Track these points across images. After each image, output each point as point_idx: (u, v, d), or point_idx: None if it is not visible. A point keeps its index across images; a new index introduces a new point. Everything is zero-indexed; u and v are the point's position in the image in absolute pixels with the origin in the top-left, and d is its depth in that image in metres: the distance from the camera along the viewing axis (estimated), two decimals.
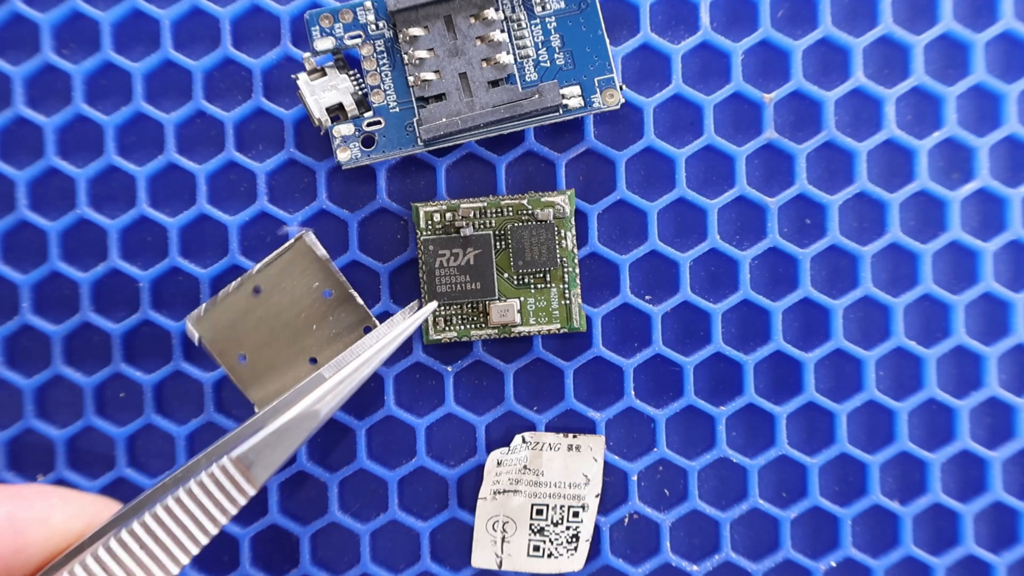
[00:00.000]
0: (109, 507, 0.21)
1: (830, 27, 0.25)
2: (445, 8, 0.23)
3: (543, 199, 0.25)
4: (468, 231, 0.25)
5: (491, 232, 0.25)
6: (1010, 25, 0.25)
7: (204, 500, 0.19)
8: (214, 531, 0.19)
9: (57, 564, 0.19)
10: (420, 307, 0.25)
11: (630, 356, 0.26)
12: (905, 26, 0.26)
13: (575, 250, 0.25)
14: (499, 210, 0.25)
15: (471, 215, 0.25)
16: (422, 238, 0.25)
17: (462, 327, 0.25)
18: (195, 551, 0.19)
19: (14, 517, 0.19)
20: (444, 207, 0.25)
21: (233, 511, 0.19)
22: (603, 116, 0.26)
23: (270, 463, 0.20)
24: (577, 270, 0.25)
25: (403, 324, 0.22)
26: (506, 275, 0.25)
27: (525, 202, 0.25)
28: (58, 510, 0.20)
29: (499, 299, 0.25)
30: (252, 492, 0.20)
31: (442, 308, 0.25)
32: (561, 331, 0.25)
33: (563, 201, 0.25)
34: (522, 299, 0.25)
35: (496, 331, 0.25)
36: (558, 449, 0.26)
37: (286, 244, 0.25)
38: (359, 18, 0.24)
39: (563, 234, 0.25)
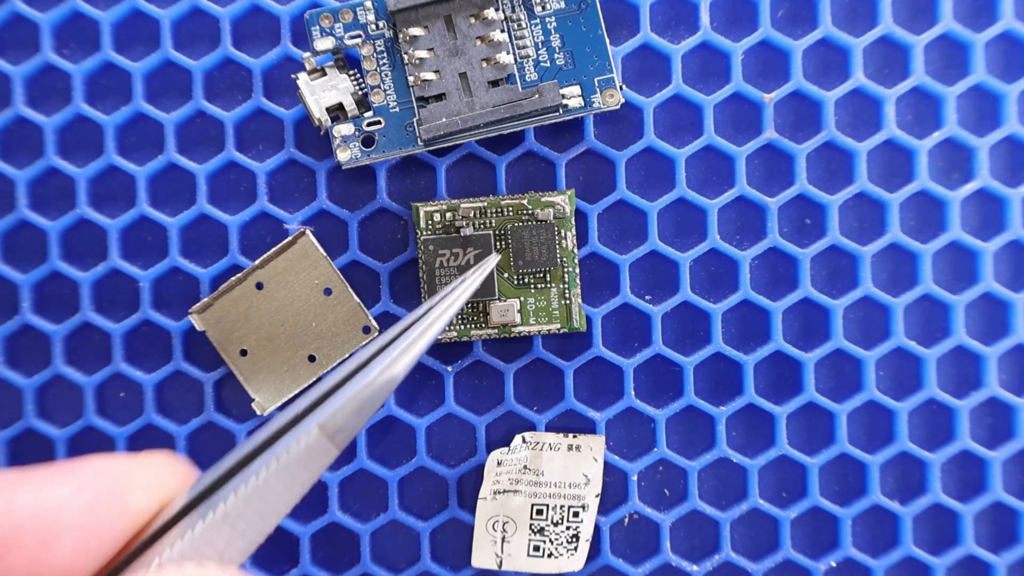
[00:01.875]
0: (175, 467, 0.20)
1: (830, 27, 0.25)
2: (445, 8, 0.23)
3: (543, 199, 0.25)
4: (468, 231, 0.25)
5: (491, 232, 0.25)
6: (1010, 25, 0.25)
7: (293, 468, 0.19)
8: (301, 495, 0.19)
9: (141, 546, 0.18)
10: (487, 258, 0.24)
11: (630, 356, 0.26)
12: (905, 26, 0.26)
13: (575, 250, 0.25)
14: (499, 210, 0.25)
15: (471, 215, 0.25)
16: (422, 238, 0.25)
17: (462, 327, 0.25)
18: (279, 521, 0.19)
19: (92, 510, 0.18)
20: (444, 207, 0.25)
21: (318, 476, 0.19)
22: (603, 116, 0.26)
23: (353, 428, 0.19)
24: (577, 270, 0.25)
25: (468, 280, 0.22)
26: (506, 275, 0.25)
27: (525, 202, 0.25)
28: (131, 491, 0.19)
29: (499, 299, 0.25)
30: (336, 455, 0.19)
31: None
32: (561, 331, 0.25)
33: (563, 201, 0.25)
34: (522, 299, 0.25)
35: (496, 331, 0.25)
36: (558, 449, 0.26)
37: (288, 239, 0.25)
38: (359, 18, 0.24)
39: (563, 234, 0.25)
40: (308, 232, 0.25)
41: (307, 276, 0.25)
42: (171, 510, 0.19)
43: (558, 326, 0.25)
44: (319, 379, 0.20)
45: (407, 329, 0.20)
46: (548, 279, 0.25)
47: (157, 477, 0.19)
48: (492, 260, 0.23)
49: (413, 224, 0.25)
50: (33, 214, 0.26)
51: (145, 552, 0.18)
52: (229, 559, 0.18)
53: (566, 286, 0.25)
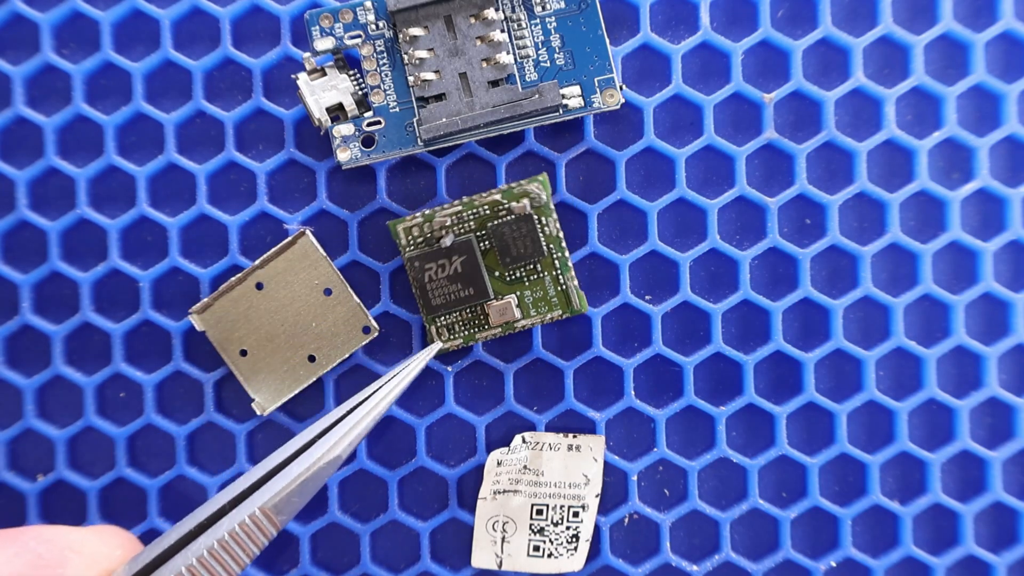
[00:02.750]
0: (121, 542, 0.20)
1: (830, 27, 0.25)
2: (445, 8, 0.23)
3: (515, 190, 0.25)
4: (448, 240, 0.24)
5: (472, 235, 0.25)
6: (1010, 25, 0.25)
7: (235, 548, 0.20)
8: (239, 572, 0.20)
9: None
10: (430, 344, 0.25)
11: (630, 356, 0.26)
12: (905, 26, 0.26)
13: (560, 234, 0.25)
14: (475, 211, 0.25)
15: (447, 223, 0.25)
16: (406, 255, 0.25)
17: (467, 333, 0.25)
18: None
19: None
20: (421, 219, 0.25)
21: (256, 553, 0.20)
22: (603, 116, 0.26)
23: (295, 509, 0.20)
24: (567, 253, 0.25)
25: (410, 364, 0.23)
26: (497, 273, 0.25)
27: (499, 197, 0.25)
28: (72, 563, 0.19)
29: (495, 299, 0.25)
30: (275, 534, 0.20)
31: (444, 318, 0.25)
32: (564, 316, 0.25)
33: (537, 188, 0.25)
34: (518, 294, 0.25)
35: (500, 330, 0.25)
36: (558, 449, 0.26)
37: (288, 239, 0.25)
38: (359, 18, 0.24)
39: (544, 221, 0.25)
40: (308, 232, 0.25)
41: (307, 276, 0.25)
42: None
43: (560, 312, 0.25)
44: (280, 462, 0.21)
45: (350, 413, 0.21)
46: (539, 269, 0.25)
47: (99, 549, 0.20)
48: (433, 348, 0.24)
49: (395, 241, 0.25)
50: (33, 214, 0.26)
51: None
52: None
53: (559, 272, 0.25)
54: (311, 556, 0.26)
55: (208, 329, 0.25)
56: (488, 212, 0.25)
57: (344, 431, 0.21)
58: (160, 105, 0.26)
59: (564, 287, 0.25)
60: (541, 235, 0.25)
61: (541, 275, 0.25)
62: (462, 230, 0.25)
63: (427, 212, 0.25)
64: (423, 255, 0.24)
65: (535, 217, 0.25)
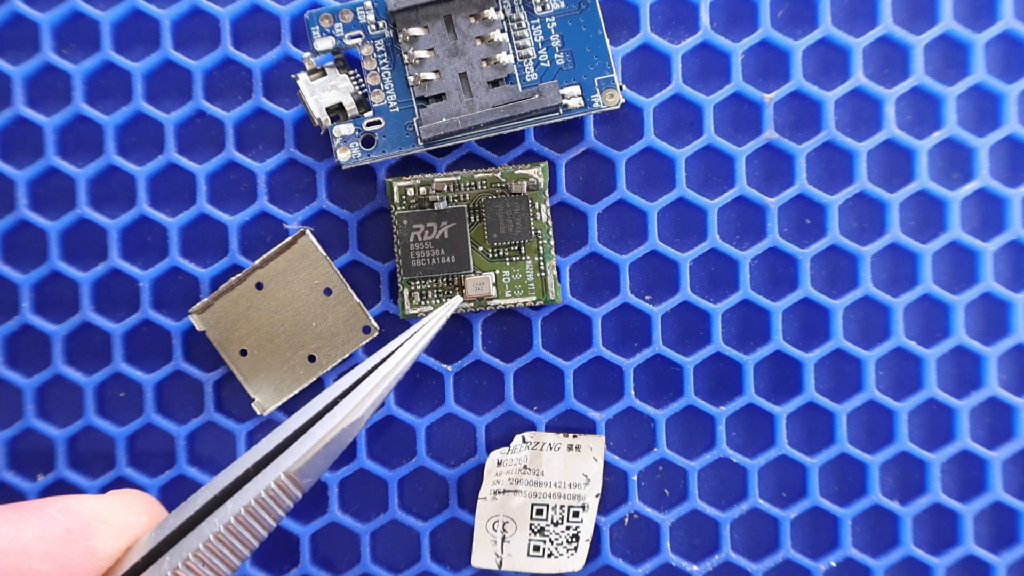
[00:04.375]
0: (146, 507, 0.20)
1: (830, 27, 0.25)
2: (445, 8, 0.23)
3: (516, 172, 0.25)
4: (442, 205, 0.25)
5: (465, 205, 0.25)
6: (1010, 25, 0.25)
7: (261, 513, 0.19)
8: (264, 536, 0.19)
9: None
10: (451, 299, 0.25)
11: (630, 356, 0.26)
12: (905, 26, 0.26)
13: (550, 222, 0.25)
14: (473, 183, 0.25)
15: (445, 189, 0.25)
16: (396, 212, 0.25)
17: (438, 301, 0.25)
18: (246, 557, 0.19)
19: (61, 555, 0.18)
20: (418, 181, 0.25)
21: (282, 517, 0.20)
22: (603, 116, 0.26)
23: (319, 472, 0.20)
24: (552, 242, 0.25)
25: (430, 320, 0.22)
26: (481, 248, 0.25)
27: (499, 175, 0.25)
28: (100, 532, 0.19)
29: (474, 272, 0.25)
30: (300, 497, 0.20)
31: (417, 282, 0.25)
32: (537, 303, 0.25)
33: (536, 173, 0.25)
34: (497, 272, 0.25)
35: (472, 304, 0.25)
36: (558, 449, 0.26)
37: (288, 239, 0.25)
38: (359, 18, 0.24)
39: (537, 206, 0.25)
40: (308, 232, 0.25)
41: (307, 276, 0.25)
42: (139, 552, 0.19)
43: (534, 298, 0.25)
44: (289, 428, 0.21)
45: (372, 371, 0.21)
46: (523, 252, 0.25)
47: (124, 518, 0.19)
48: (455, 301, 0.24)
49: (387, 199, 0.25)
50: (33, 214, 0.26)
51: None
52: None
53: (541, 258, 0.25)
54: (311, 556, 0.26)
55: (208, 329, 0.25)
56: (485, 187, 0.25)
57: (367, 391, 0.20)
58: (160, 105, 0.26)
59: (543, 274, 0.25)
60: (532, 219, 0.25)
61: (523, 258, 0.25)
62: (457, 199, 0.25)
63: (426, 176, 0.25)
64: (413, 214, 0.25)
65: (530, 200, 0.25)
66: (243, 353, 0.25)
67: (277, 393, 0.25)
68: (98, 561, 0.18)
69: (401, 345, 0.21)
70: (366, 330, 0.25)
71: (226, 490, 0.19)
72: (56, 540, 0.18)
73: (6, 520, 0.18)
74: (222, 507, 0.19)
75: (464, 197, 0.25)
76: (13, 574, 0.17)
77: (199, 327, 0.25)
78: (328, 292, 0.25)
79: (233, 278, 0.25)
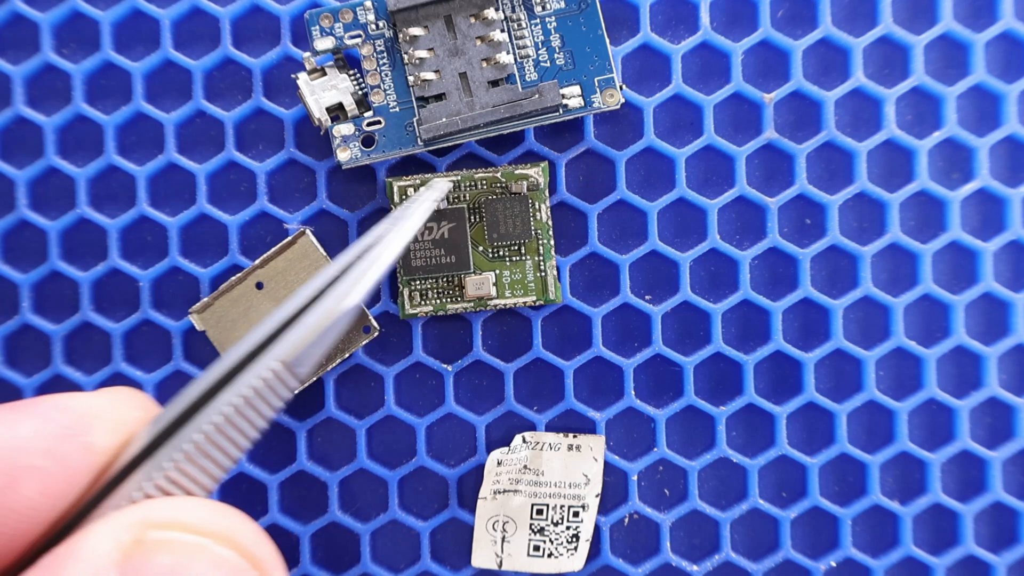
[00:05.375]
0: (140, 403, 0.20)
1: (830, 27, 0.25)
2: (445, 8, 0.23)
3: (516, 172, 0.25)
4: (442, 205, 0.25)
5: (465, 205, 0.25)
6: (1010, 25, 0.25)
7: (258, 403, 0.19)
8: (261, 430, 0.19)
9: (108, 484, 0.18)
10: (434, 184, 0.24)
11: (630, 356, 0.26)
12: (905, 26, 0.26)
13: (550, 222, 0.25)
14: (473, 183, 0.25)
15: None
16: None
17: (438, 301, 0.25)
18: (244, 451, 0.19)
19: (58, 450, 0.18)
20: (418, 181, 0.25)
21: (281, 407, 0.19)
22: (603, 116, 0.26)
23: (313, 360, 0.19)
24: (552, 242, 0.25)
25: (419, 201, 0.22)
26: (481, 248, 0.25)
27: (499, 175, 0.25)
28: (96, 428, 0.18)
29: (474, 272, 0.25)
30: (298, 387, 0.19)
31: (417, 282, 0.25)
32: (537, 303, 0.25)
33: (537, 173, 0.25)
34: (497, 272, 0.25)
35: (472, 304, 0.25)
36: (558, 449, 0.26)
37: (288, 239, 0.25)
38: (359, 18, 0.24)
39: (537, 206, 0.25)
40: (308, 232, 0.25)
41: (307, 276, 0.25)
42: (135, 447, 0.18)
43: (534, 298, 0.25)
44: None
45: (361, 256, 0.20)
46: (523, 251, 0.25)
47: (120, 413, 0.19)
48: (443, 186, 0.23)
49: (387, 199, 0.25)
50: (33, 214, 0.26)
51: (112, 491, 0.18)
52: (196, 492, 0.18)
53: (541, 258, 0.25)
54: (311, 556, 0.26)
55: (208, 329, 0.25)
56: (485, 187, 0.25)
57: (357, 277, 0.19)
58: (160, 105, 0.26)
59: (543, 274, 0.25)
60: (532, 219, 0.25)
61: (523, 258, 0.25)
62: (456, 199, 0.25)
63: (425, 176, 0.25)
64: None
65: (530, 200, 0.25)
66: None
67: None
68: (96, 456, 0.18)
69: (390, 229, 0.21)
70: (366, 330, 0.25)
71: (219, 382, 0.19)
72: (53, 436, 0.18)
73: (2, 420, 0.18)
74: (215, 399, 0.19)
75: (464, 197, 0.25)
76: (12, 472, 0.17)
77: (199, 327, 0.25)
78: None
79: (233, 278, 0.25)
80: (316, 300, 0.19)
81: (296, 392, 0.20)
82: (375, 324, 0.25)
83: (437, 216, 0.25)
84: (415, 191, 0.25)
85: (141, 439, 0.18)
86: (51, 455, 0.17)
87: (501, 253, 0.25)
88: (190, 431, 0.18)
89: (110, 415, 0.19)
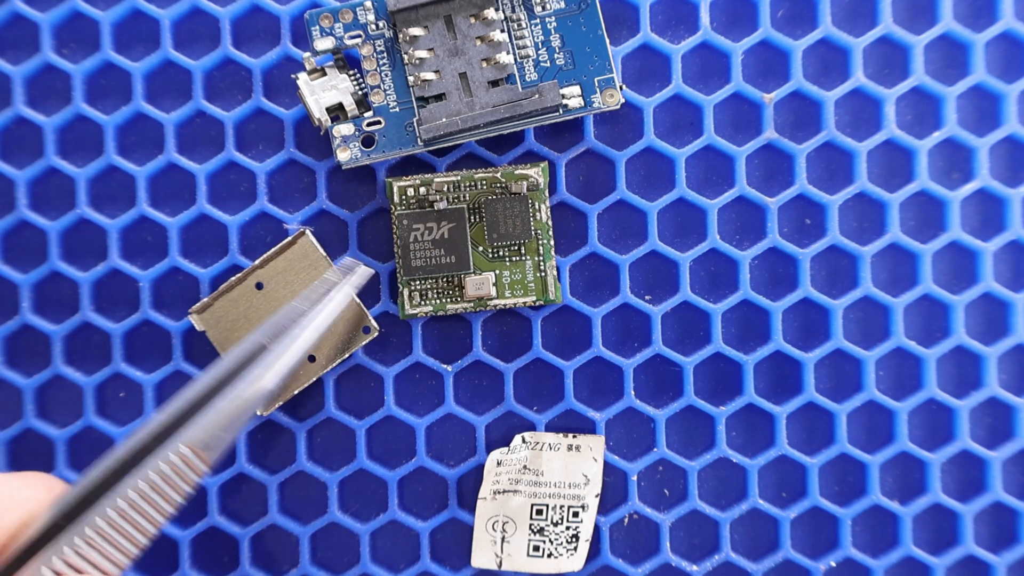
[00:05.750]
0: (47, 487, 0.19)
1: (830, 27, 0.25)
2: (445, 8, 0.23)
3: (516, 172, 0.25)
4: (442, 205, 0.25)
5: (465, 206, 0.25)
6: (1010, 25, 0.25)
7: (164, 487, 0.19)
8: (171, 513, 0.19)
9: (9, 565, 0.18)
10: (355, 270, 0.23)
11: (630, 356, 0.26)
12: (905, 26, 0.26)
13: (550, 222, 0.25)
14: (473, 183, 0.25)
15: (445, 189, 0.25)
16: (396, 212, 0.25)
17: (437, 301, 0.25)
18: (150, 537, 0.19)
19: None
20: (418, 181, 0.25)
21: (189, 493, 0.19)
22: (603, 116, 0.26)
23: (223, 444, 0.19)
24: (552, 242, 0.25)
25: (342, 287, 0.21)
26: (481, 248, 0.25)
27: (499, 175, 0.25)
28: None
29: (474, 272, 0.25)
30: (205, 472, 0.19)
31: (417, 282, 0.25)
32: (537, 303, 0.25)
33: (537, 173, 0.25)
34: (497, 272, 0.25)
35: (471, 304, 0.25)
36: (558, 449, 0.26)
37: (288, 239, 0.25)
38: (359, 18, 0.24)
39: (537, 206, 0.25)
40: (308, 232, 0.25)
41: (307, 276, 0.25)
42: (36, 527, 0.18)
43: (534, 298, 0.25)
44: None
45: (274, 340, 0.20)
46: (523, 252, 0.25)
47: (18, 493, 0.19)
48: (362, 271, 0.23)
49: (387, 199, 0.25)
50: (33, 214, 0.26)
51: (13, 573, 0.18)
52: (107, 572, 0.18)
53: (541, 258, 0.25)
54: (311, 556, 0.26)
55: (208, 329, 0.25)
56: (485, 188, 0.25)
57: (271, 360, 0.19)
58: (160, 105, 0.26)
59: (543, 274, 0.25)
60: (532, 219, 0.25)
61: (523, 258, 0.25)
62: (457, 199, 0.25)
63: (425, 176, 0.25)
64: (413, 214, 0.25)
65: (530, 200, 0.25)
66: None
67: (275, 394, 0.25)
68: None
69: (312, 310, 0.20)
70: (366, 330, 0.25)
71: (125, 464, 0.19)
72: None
73: None
74: (121, 482, 0.19)
75: (464, 197, 0.25)
76: None
77: (199, 327, 0.25)
78: None
79: (233, 278, 0.25)
80: (228, 381, 0.19)
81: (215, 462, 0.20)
82: (374, 324, 0.25)
83: (437, 216, 0.25)
84: (415, 192, 0.25)
85: (43, 520, 0.18)
86: None
87: (501, 253, 0.25)
88: (93, 514, 0.18)
89: (8, 493, 0.19)
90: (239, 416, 0.19)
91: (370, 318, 0.25)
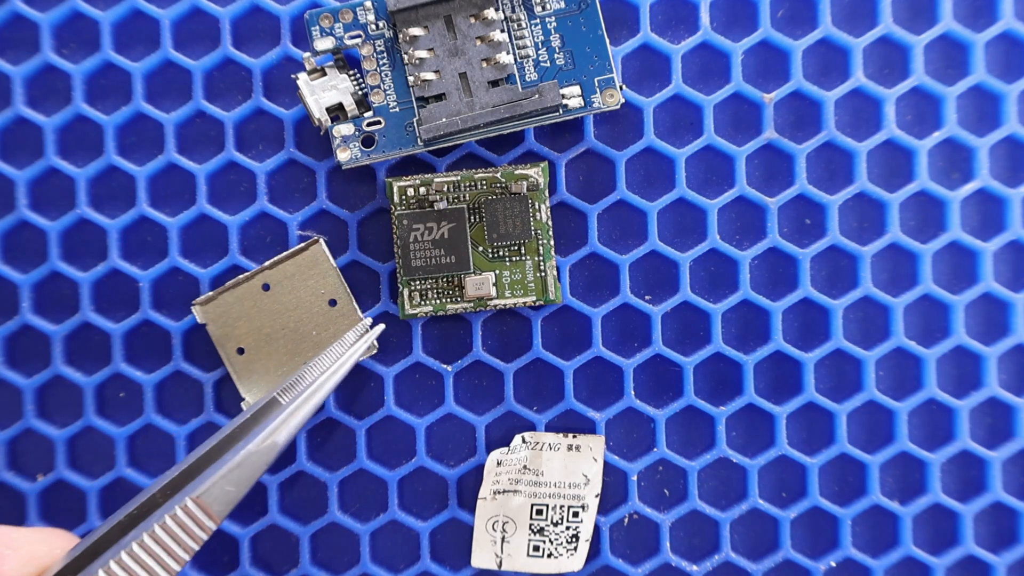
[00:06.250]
0: (64, 543, 0.20)
1: (830, 27, 0.25)
2: (445, 8, 0.23)
3: (516, 172, 0.25)
4: (442, 204, 0.25)
5: (465, 205, 0.25)
6: (1010, 25, 0.25)
7: (168, 541, 0.19)
8: (177, 570, 0.19)
9: None
10: (371, 327, 0.25)
11: (630, 356, 0.26)
12: (905, 26, 0.26)
13: (549, 222, 0.25)
14: (473, 184, 0.25)
15: (445, 189, 0.25)
16: (396, 213, 0.25)
17: (437, 301, 0.25)
18: None
19: None
20: (418, 181, 0.25)
21: (196, 548, 0.19)
22: (603, 116, 0.26)
23: (231, 499, 0.19)
24: (552, 242, 0.25)
25: (354, 347, 0.23)
26: (481, 248, 0.25)
27: (499, 175, 0.25)
28: (9, 559, 0.19)
29: (474, 272, 0.25)
30: (214, 528, 0.19)
31: (417, 283, 0.25)
32: (537, 303, 0.25)
33: (536, 173, 0.25)
34: (497, 272, 0.25)
35: (472, 304, 0.25)
36: (558, 449, 0.26)
37: (300, 245, 0.25)
38: (359, 18, 0.24)
39: (537, 206, 0.25)
40: (322, 241, 0.25)
41: (314, 284, 0.25)
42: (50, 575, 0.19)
43: (534, 298, 0.25)
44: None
45: (286, 395, 0.21)
46: (523, 251, 0.25)
47: (37, 548, 0.19)
48: (377, 329, 0.24)
49: (387, 199, 0.25)
50: (33, 214, 0.26)
51: None
52: None
53: (541, 258, 0.25)
54: (311, 556, 0.26)
55: (209, 323, 0.25)
56: (484, 187, 0.25)
57: (282, 418, 0.20)
58: (160, 105, 0.26)
59: (543, 274, 0.25)
60: (532, 219, 0.25)
61: (523, 258, 0.25)
62: (456, 199, 0.25)
63: (425, 176, 0.25)
64: (413, 214, 0.25)
65: (530, 200, 0.25)
66: (240, 351, 0.25)
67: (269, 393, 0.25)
68: None
69: (322, 375, 0.21)
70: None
71: (134, 517, 0.19)
72: None
73: None
74: (128, 534, 0.19)
75: (464, 197, 0.25)
76: None
77: (200, 319, 0.25)
78: (333, 303, 0.25)
79: (241, 276, 0.25)
80: (240, 437, 0.20)
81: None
82: (375, 343, 0.25)
83: (437, 216, 0.25)
84: (415, 192, 0.25)
85: (52, 572, 0.19)
86: None
87: (501, 253, 0.25)
88: (96, 567, 0.19)
89: (27, 549, 0.19)
90: (247, 471, 0.19)
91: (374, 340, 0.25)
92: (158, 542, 0.19)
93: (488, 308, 0.25)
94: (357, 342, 0.23)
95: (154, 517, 0.19)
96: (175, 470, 0.20)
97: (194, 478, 0.20)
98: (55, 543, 0.20)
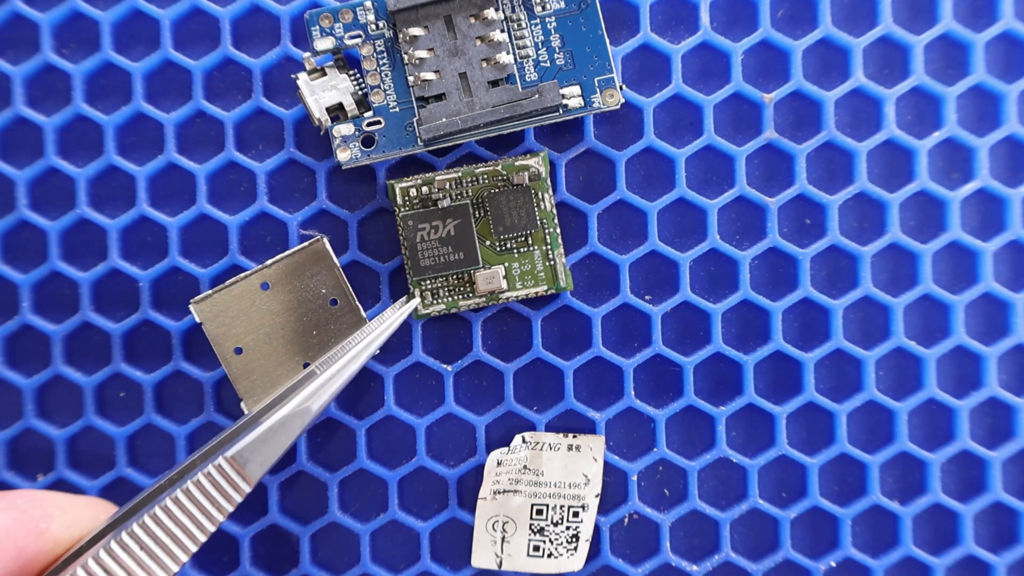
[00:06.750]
0: (106, 509, 0.21)
1: (830, 27, 0.25)
2: (445, 8, 0.23)
3: (517, 163, 0.25)
4: (445, 202, 0.25)
5: (468, 201, 0.25)
6: (1010, 25, 0.25)
7: (202, 499, 0.19)
8: (212, 529, 0.20)
9: (56, 570, 0.19)
10: (408, 301, 0.25)
11: (630, 356, 0.26)
12: (905, 26, 0.26)
13: (554, 210, 0.25)
14: (474, 178, 0.25)
15: (447, 186, 0.25)
16: (400, 214, 0.25)
17: (450, 299, 0.25)
18: (194, 549, 0.19)
19: (12, 532, 0.19)
20: (419, 181, 0.25)
21: (230, 509, 0.20)
22: (603, 116, 0.26)
23: (265, 460, 0.20)
24: (558, 230, 0.25)
25: (389, 319, 0.23)
26: (488, 242, 0.25)
27: (499, 168, 0.25)
28: (56, 519, 0.20)
29: (483, 267, 0.25)
30: (248, 489, 0.20)
31: (428, 282, 0.25)
32: (549, 292, 0.25)
33: (537, 163, 0.25)
34: (506, 265, 0.25)
35: (484, 299, 0.25)
36: (558, 449, 0.26)
37: (302, 244, 0.25)
38: (359, 18, 0.24)
39: (540, 196, 0.25)
40: (325, 240, 0.25)
41: (316, 284, 0.25)
42: (88, 538, 0.20)
43: (545, 287, 0.25)
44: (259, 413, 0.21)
45: (324, 366, 0.21)
46: (530, 242, 0.25)
47: (82, 512, 0.20)
48: (413, 302, 0.24)
49: (390, 201, 0.25)
50: (33, 214, 0.26)
51: (64, 570, 0.19)
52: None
53: (548, 247, 0.25)
54: (311, 556, 0.26)
55: (206, 321, 0.25)
56: (487, 181, 0.25)
57: (317, 386, 0.21)
58: (160, 105, 0.26)
59: (552, 263, 0.25)
60: (536, 208, 0.25)
61: (531, 249, 0.25)
62: (459, 195, 0.25)
63: (427, 175, 0.25)
64: (417, 214, 0.25)
65: (532, 190, 0.25)
66: (238, 351, 0.25)
67: (266, 396, 0.25)
68: (48, 543, 0.19)
69: (357, 344, 0.22)
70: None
71: (171, 479, 0.20)
72: (12, 521, 0.19)
73: None
74: (164, 493, 0.20)
75: (467, 193, 0.25)
76: None
77: (197, 318, 0.25)
78: (334, 303, 0.25)
79: (240, 275, 0.25)
80: (279, 403, 0.21)
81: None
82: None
83: (442, 214, 0.25)
84: (418, 191, 0.25)
85: (96, 531, 0.20)
86: (8, 535, 0.19)
87: (509, 246, 0.25)
88: (135, 520, 0.19)
89: (73, 512, 0.20)
90: (280, 432, 0.20)
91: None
92: (191, 499, 0.20)
93: (500, 302, 0.25)
94: (393, 316, 0.23)
95: (189, 477, 0.20)
96: (215, 439, 0.21)
97: (230, 444, 0.20)
98: (99, 508, 0.21)
